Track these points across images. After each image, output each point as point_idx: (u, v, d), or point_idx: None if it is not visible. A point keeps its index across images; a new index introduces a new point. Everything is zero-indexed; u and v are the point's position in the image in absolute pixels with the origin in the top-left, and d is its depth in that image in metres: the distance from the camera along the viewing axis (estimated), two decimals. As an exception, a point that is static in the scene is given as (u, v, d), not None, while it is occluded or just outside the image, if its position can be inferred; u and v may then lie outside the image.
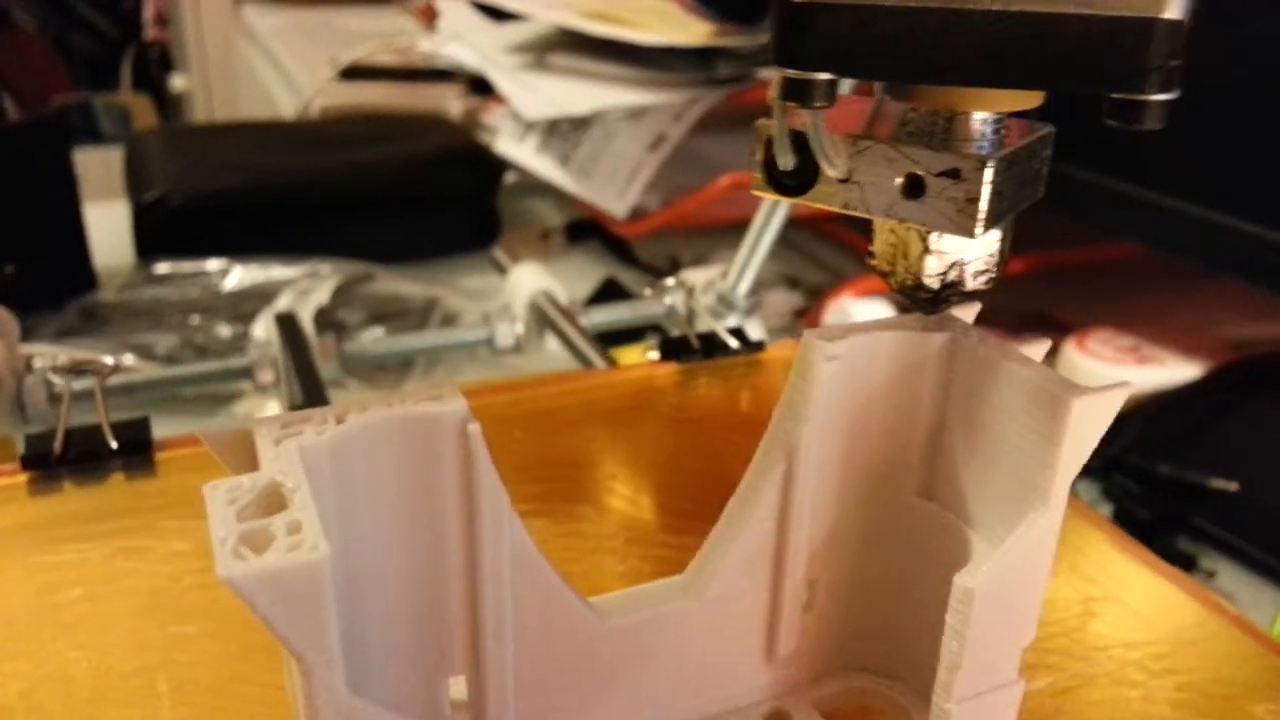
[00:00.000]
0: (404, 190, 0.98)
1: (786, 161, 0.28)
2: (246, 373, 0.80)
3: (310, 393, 0.62)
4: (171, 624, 0.34)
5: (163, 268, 1.01)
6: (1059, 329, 0.88)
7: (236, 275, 0.99)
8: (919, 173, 0.27)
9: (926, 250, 0.29)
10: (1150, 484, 0.74)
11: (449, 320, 0.89)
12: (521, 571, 0.27)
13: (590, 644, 0.28)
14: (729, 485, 0.30)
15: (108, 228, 1.04)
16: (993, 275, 0.30)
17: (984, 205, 0.26)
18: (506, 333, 0.75)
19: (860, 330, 0.28)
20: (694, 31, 0.95)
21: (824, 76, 0.25)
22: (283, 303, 0.91)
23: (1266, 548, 0.68)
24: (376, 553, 0.26)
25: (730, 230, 0.86)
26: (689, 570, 0.30)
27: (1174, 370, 0.83)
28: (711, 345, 0.47)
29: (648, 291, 0.52)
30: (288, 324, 0.74)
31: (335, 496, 0.25)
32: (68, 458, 0.41)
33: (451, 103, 1.19)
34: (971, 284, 0.29)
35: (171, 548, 0.37)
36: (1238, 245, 0.79)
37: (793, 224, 0.79)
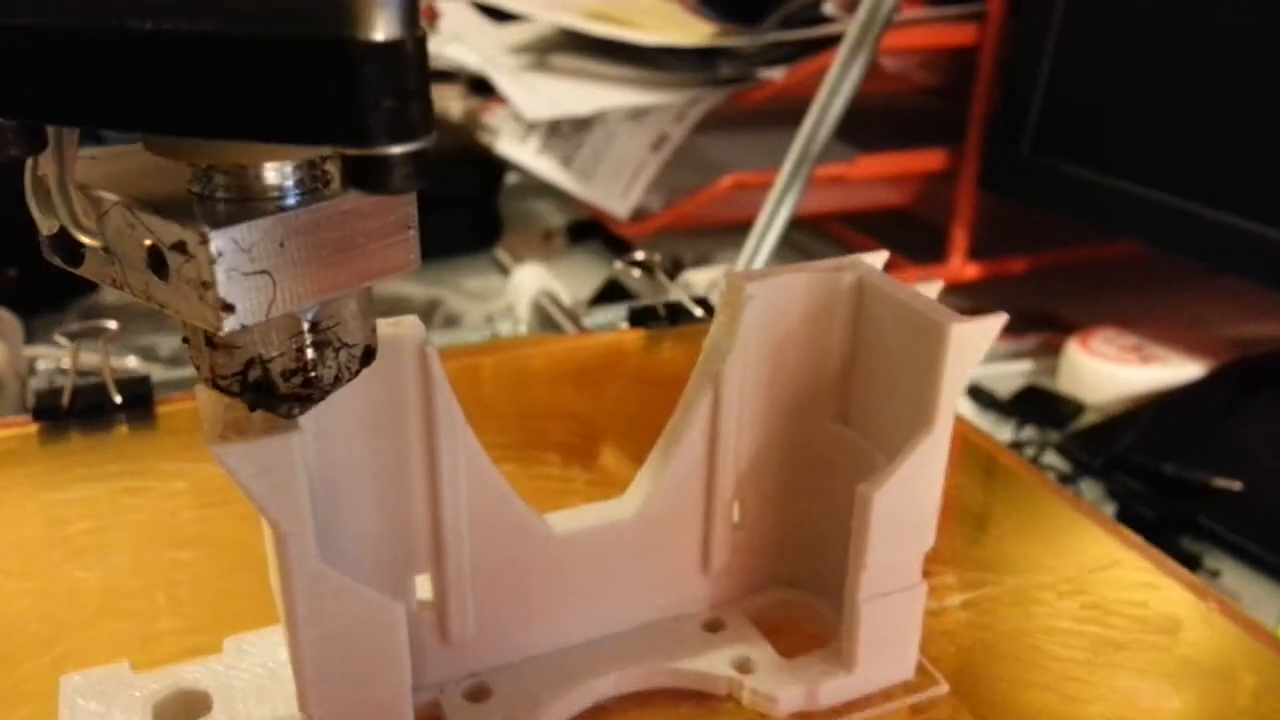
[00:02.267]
0: None
1: (46, 223, 0.24)
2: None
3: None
4: (169, 550, 0.40)
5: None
6: (1062, 328, 0.93)
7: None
8: (158, 245, 0.23)
9: (210, 344, 0.25)
10: (1154, 483, 0.78)
11: (452, 321, 0.94)
12: (475, 480, 0.32)
13: (540, 551, 0.34)
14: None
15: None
16: (315, 374, 0.26)
17: (222, 290, 0.22)
18: (509, 333, 0.79)
19: (778, 272, 0.34)
20: (695, 32, 0.99)
21: None
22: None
23: (1270, 547, 0.72)
24: (348, 460, 0.31)
25: (733, 230, 0.91)
26: (629, 490, 0.35)
27: (1177, 369, 0.87)
28: (677, 313, 0.53)
29: (618, 265, 0.58)
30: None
31: (310, 410, 0.30)
32: (75, 410, 0.47)
33: (453, 103, 1.24)
34: (284, 386, 0.26)
35: (170, 487, 0.43)
36: (1241, 244, 0.83)
37: (795, 224, 0.83)
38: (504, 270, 1.00)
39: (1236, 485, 0.76)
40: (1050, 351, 0.91)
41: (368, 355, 0.27)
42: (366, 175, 0.20)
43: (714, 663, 0.35)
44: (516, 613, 0.35)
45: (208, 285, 0.22)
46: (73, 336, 0.47)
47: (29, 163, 0.24)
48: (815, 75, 0.85)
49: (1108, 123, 0.90)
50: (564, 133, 1.04)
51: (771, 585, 0.38)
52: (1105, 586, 0.39)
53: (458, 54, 1.13)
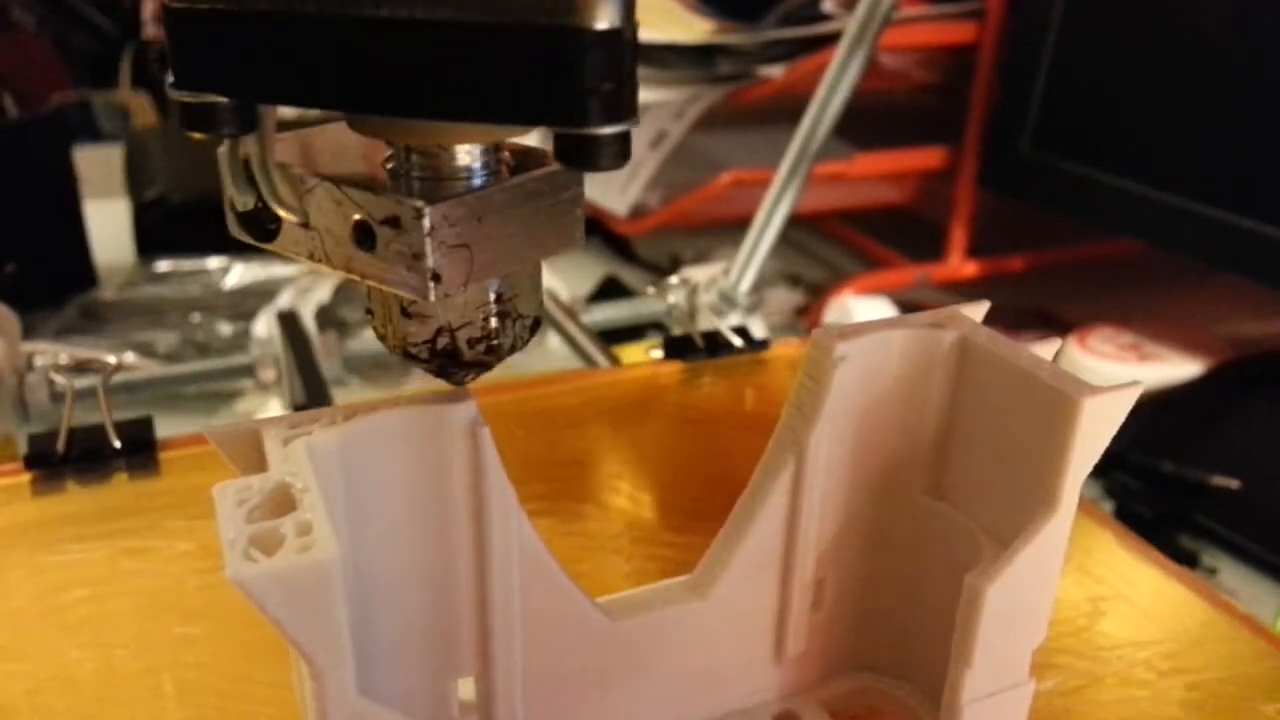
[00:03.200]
0: None
1: (242, 200, 0.24)
2: (248, 370, 0.80)
3: (312, 390, 0.62)
4: (177, 625, 0.34)
5: (163, 265, 1.01)
6: (1060, 326, 0.90)
7: (237, 273, 0.99)
8: (368, 220, 0.23)
9: (405, 313, 0.25)
10: (1152, 481, 0.76)
11: (450, 318, 0.89)
12: (530, 572, 0.27)
13: (598, 644, 0.28)
14: (734, 484, 0.29)
15: (108, 226, 1.04)
16: (496, 342, 0.26)
17: (432, 261, 0.22)
18: (508, 330, 0.75)
19: (870, 329, 0.28)
20: (695, 29, 0.95)
21: (215, 99, 0.22)
22: (284, 300, 0.91)
23: (1268, 545, 0.69)
24: (386, 553, 0.25)
25: (731, 228, 0.87)
26: (697, 570, 0.30)
27: (1175, 367, 0.84)
28: (715, 344, 0.47)
29: (650, 290, 0.52)
30: (289, 322, 0.74)
31: (344, 498, 0.24)
32: (71, 457, 0.40)
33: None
34: (468, 353, 0.25)
35: (176, 548, 0.37)
36: (1238, 242, 0.80)
37: (794, 222, 0.79)
38: (503, 267, 0.95)
39: (1234, 483, 0.74)
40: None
41: (536, 326, 0.27)
42: (578, 153, 0.20)
43: (790, 763, 0.29)
44: (570, 712, 0.29)
45: (419, 256, 0.22)
46: (68, 372, 0.41)
47: (228, 143, 0.24)
48: (814, 73, 0.82)
49: (1106, 121, 0.87)
50: (563, 130, 0.99)
51: (849, 671, 0.32)
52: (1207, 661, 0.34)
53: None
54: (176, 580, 0.36)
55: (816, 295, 0.95)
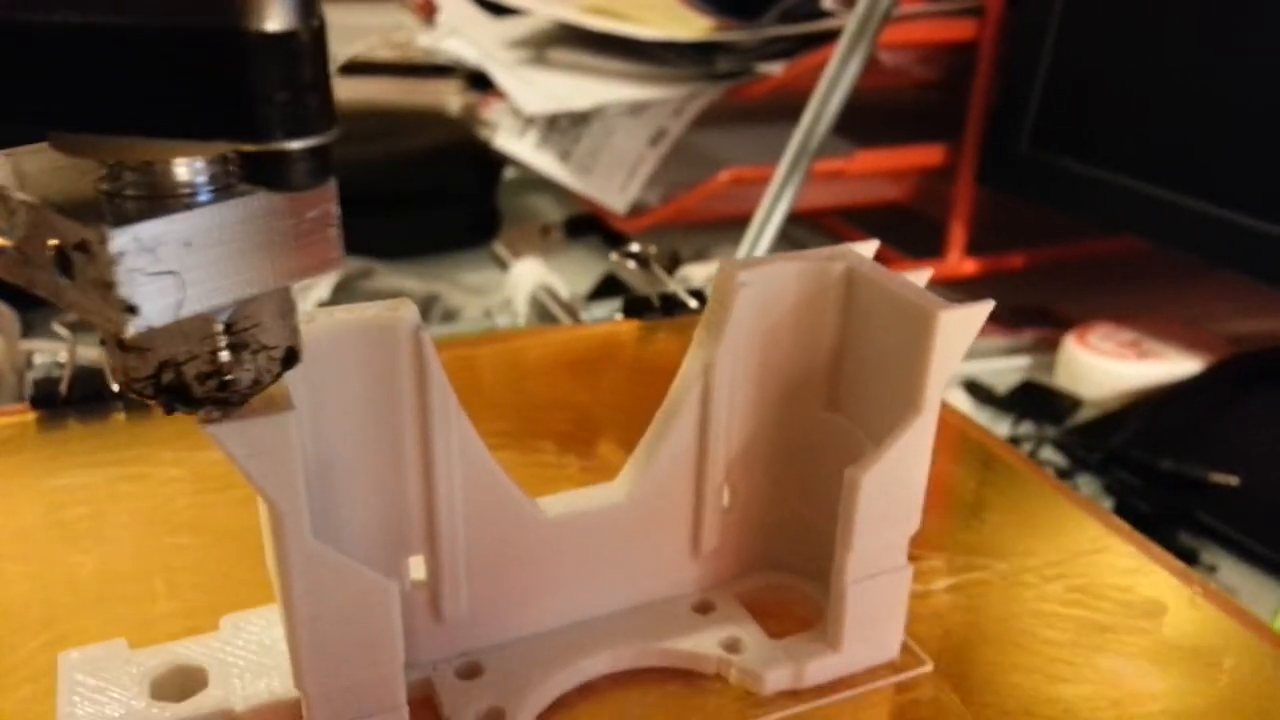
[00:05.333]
0: (403, 186, 1.03)
1: None
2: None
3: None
4: (167, 535, 0.41)
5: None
6: (1060, 323, 0.93)
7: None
8: (64, 246, 0.22)
9: (121, 346, 0.24)
10: (1151, 478, 0.78)
11: (450, 316, 0.95)
12: (471, 466, 0.33)
13: (533, 534, 0.35)
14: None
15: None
16: (231, 377, 0.25)
17: (124, 291, 0.21)
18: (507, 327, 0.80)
19: (770, 260, 0.35)
20: (693, 26, 0.99)
21: None
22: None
23: (1267, 542, 0.72)
24: (344, 442, 0.32)
25: (730, 225, 0.91)
26: (621, 474, 0.36)
27: (1175, 364, 0.88)
28: (671, 305, 0.54)
29: (613, 256, 0.59)
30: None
31: (307, 392, 0.31)
32: (73, 398, 0.48)
33: (451, 98, 1.25)
34: (198, 390, 0.25)
35: (168, 474, 0.44)
36: (1239, 240, 0.83)
37: (793, 219, 0.83)
38: (502, 265, 1.00)
39: (1234, 480, 0.77)
40: (1048, 347, 0.92)
41: (290, 357, 0.27)
42: (266, 171, 0.20)
43: (703, 643, 0.36)
44: (509, 593, 0.35)
45: (109, 286, 0.21)
46: (71, 327, 0.48)
47: None
48: (814, 70, 0.85)
49: (1106, 118, 0.90)
50: (562, 127, 1.04)
51: (761, 569, 0.39)
52: (1092, 571, 0.40)
53: (455, 48, 1.13)
54: (168, 500, 0.43)
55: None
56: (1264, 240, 0.82)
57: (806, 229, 1.11)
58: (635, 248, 0.57)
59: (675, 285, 0.54)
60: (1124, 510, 0.77)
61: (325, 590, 0.30)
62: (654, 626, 0.36)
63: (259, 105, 0.19)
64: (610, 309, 0.88)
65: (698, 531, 0.37)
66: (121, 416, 0.48)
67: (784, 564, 0.39)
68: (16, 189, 0.23)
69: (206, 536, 0.41)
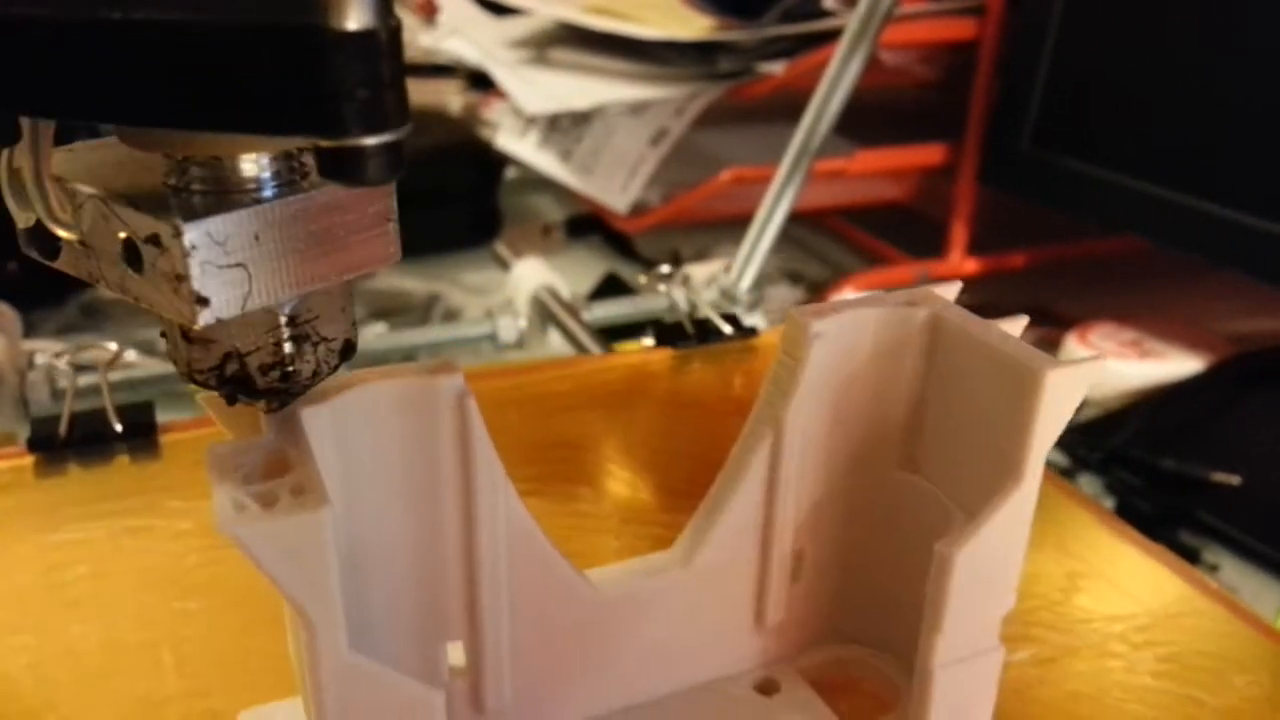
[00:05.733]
0: (404, 186, 0.98)
1: (21, 216, 0.23)
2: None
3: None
4: (176, 600, 0.36)
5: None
6: (1061, 323, 0.90)
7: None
8: (134, 238, 0.22)
9: (187, 337, 0.24)
10: (1153, 478, 0.76)
11: (451, 316, 0.91)
12: (517, 541, 0.28)
13: (584, 613, 0.30)
14: (722, 466, 0.31)
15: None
16: (293, 368, 0.25)
17: (196, 283, 0.21)
18: (509, 328, 0.77)
19: (846, 307, 0.30)
20: (694, 26, 0.96)
21: None
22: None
23: (1269, 541, 0.70)
24: (377, 520, 0.27)
25: (732, 225, 0.87)
26: (679, 541, 0.31)
27: (1176, 364, 0.85)
28: (705, 331, 0.49)
29: (642, 279, 0.54)
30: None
31: (337, 466, 0.26)
32: (73, 440, 0.42)
33: (452, 98, 1.21)
34: (261, 381, 0.24)
35: (176, 527, 0.39)
36: (1240, 239, 0.81)
37: (795, 219, 0.80)
38: (504, 265, 0.97)
39: (1235, 480, 0.74)
40: (1049, 346, 0.88)
41: (347, 350, 0.26)
42: (341, 166, 0.19)
43: (771, 730, 0.31)
44: (556, 678, 0.30)
45: (182, 278, 0.21)
46: (72, 362, 0.43)
47: (3, 155, 0.23)
48: (815, 70, 0.82)
49: (1107, 117, 0.88)
50: (563, 127, 1.01)
51: (829, 642, 0.34)
52: (1178, 636, 0.35)
53: (457, 48, 1.10)
54: (176, 558, 0.37)
55: (817, 292, 0.96)
56: (1265, 239, 0.80)
57: (808, 228, 1.07)
58: (665, 269, 0.52)
59: (709, 310, 0.49)
60: (1125, 510, 0.75)
61: (362, 704, 0.25)
62: (714, 711, 0.31)
63: (340, 102, 0.19)
64: (613, 310, 0.86)
65: (762, 603, 0.32)
66: (125, 459, 0.42)
67: (853, 635, 0.34)
68: (83, 183, 0.23)
69: (219, 601, 0.36)
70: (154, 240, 0.21)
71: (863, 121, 0.89)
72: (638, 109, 0.97)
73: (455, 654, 0.29)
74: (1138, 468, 0.77)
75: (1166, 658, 0.34)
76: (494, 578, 0.28)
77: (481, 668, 0.29)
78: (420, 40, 1.13)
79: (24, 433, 0.58)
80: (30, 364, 0.74)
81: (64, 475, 0.41)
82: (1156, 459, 0.76)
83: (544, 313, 0.79)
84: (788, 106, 0.83)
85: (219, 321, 0.22)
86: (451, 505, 0.27)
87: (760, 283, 0.78)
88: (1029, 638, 0.35)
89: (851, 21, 0.78)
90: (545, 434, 0.43)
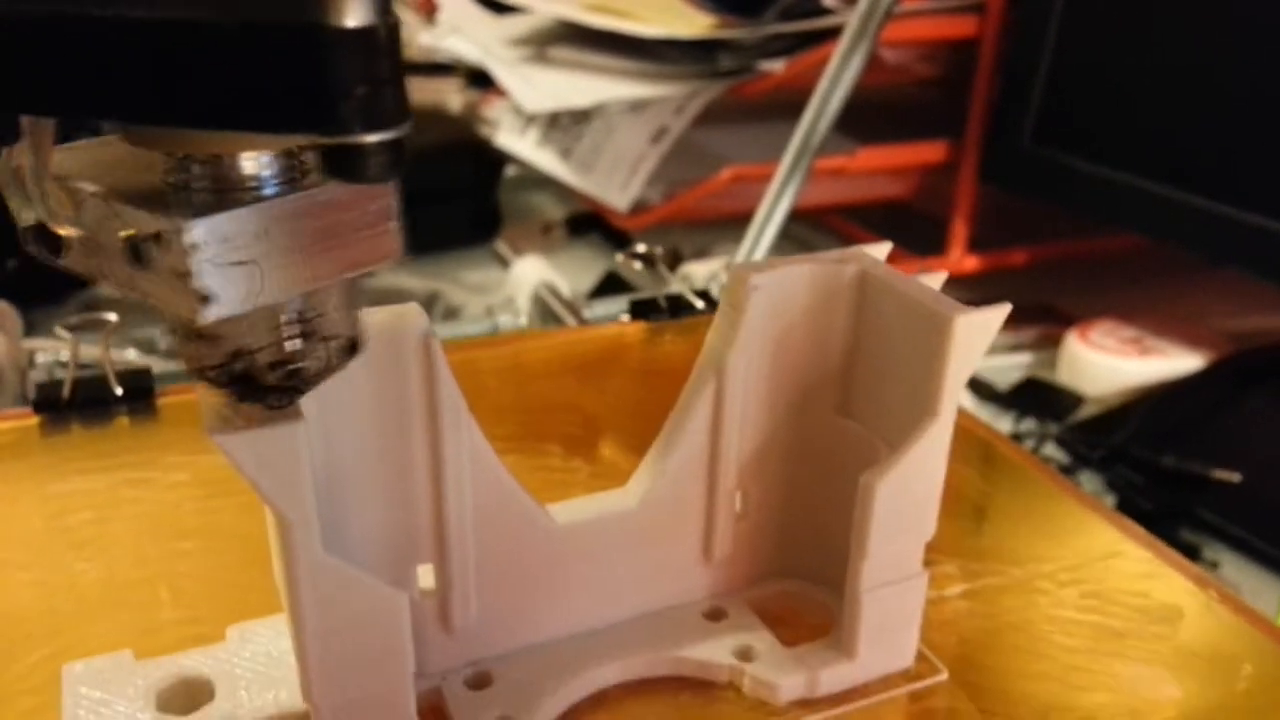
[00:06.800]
0: (404, 184, 1.01)
1: (23, 215, 0.24)
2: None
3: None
4: (172, 541, 0.40)
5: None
6: (1062, 320, 0.93)
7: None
8: (136, 236, 0.23)
9: (194, 334, 0.25)
10: (1153, 475, 0.78)
11: (451, 314, 0.94)
12: (480, 473, 0.32)
13: (544, 542, 0.34)
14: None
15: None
16: (300, 366, 0.26)
17: (201, 281, 0.22)
18: (509, 325, 0.80)
19: (782, 264, 0.34)
20: (695, 24, 0.98)
21: None
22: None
23: (1269, 538, 0.72)
24: (353, 452, 0.31)
25: (732, 223, 0.90)
26: (632, 479, 0.35)
27: (1176, 361, 0.87)
28: (678, 305, 0.53)
29: (619, 258, 0.58)
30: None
31: (315, 400, 0.30)
32: (75, 402, 0.47)
33: (452, 96, 1.24)
34: (269, 378, 0.26)
35: (173, 479, 0.43)
36: (1240, 237, 0.83)
37: (795, 216, 0.83)
38: (504, 263, 1.00)
39: (1235, 477, 0.77)
40: (1050, 344, 0.92)
41: (352, 347, 0.27)
42: (342, 164, 0.20)
43: (715, 651, 0.35)
44: (519, 602, 0.35)
45: (185, 275, 0.22)
46: (73, 329, 0.47)
47: (3, 153, 0.24)
48: (815, 67, 0.84)
49: (1108, 115, 0.90)
50: (563, 125, 1.04)
51: (774, 576, 0.38)
52: (1107, 576, 0.40)
53: (456, 46, 1.13)
54: (173, 505, 0.42)
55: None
56: (1266, 237, 0.81)
57: (808, 227, 1.10)
58: (641, 248, 0.56)
59: (681, 286, 0.53)
60: (1126, 507, 0.76)
61: (335, 602, 0.29)
62: (665, 635, 0.36)
63: (339, 99, 0.19)
64: (614, 308, 0.89)
65: (710, 538, 0.36)
66: (125, 420, 0.47)
67: (797, 570, 0.38)
68: (84, 181, 0.23)
69: (212, 542, 0.40)
70: (157, 238, 0.22)
71: (863, 119, 0.91)
72: (638, 107, 1.00)
73: (426, 577, 0.34)
74: (1138, 465, 0.79)
75: (1090, 594, 0.39)
76: (459, 506, 0.32)
77: (449, 589, 0.33)
78: (420, 38, 1.15)
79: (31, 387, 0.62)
80: (31, 362, 0.78)
81: (67, 434, 0.46)
82: (1157, 456, 0.78)
83: (544, 310, 0.82)
84: (788, 104, 0.86)
85: (226, 319, 0.23)
86: (419, 436, 0.31)
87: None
88: (960, 574, 0.39)
89: (852, 19, 0.81)
90: (523, 399, 0.48)
